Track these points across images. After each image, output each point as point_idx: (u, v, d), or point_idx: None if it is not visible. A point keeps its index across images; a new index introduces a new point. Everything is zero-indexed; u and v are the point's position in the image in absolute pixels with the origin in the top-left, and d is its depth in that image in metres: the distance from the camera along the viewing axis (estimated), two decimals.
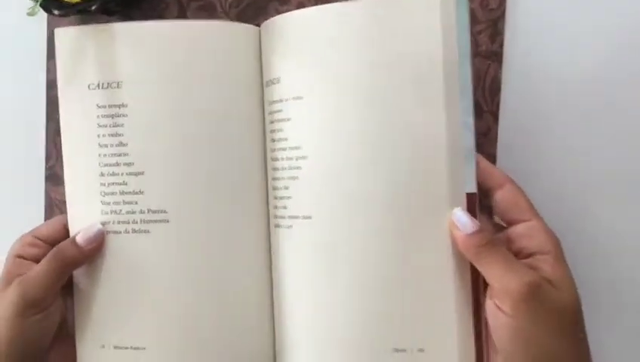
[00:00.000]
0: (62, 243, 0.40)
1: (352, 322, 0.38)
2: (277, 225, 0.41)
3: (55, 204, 0.51)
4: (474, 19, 0.43)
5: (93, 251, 0.40)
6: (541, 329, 0.33)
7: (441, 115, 0.37)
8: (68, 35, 0.41)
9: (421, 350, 0.37)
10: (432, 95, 0.37)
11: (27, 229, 0.43)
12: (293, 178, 0.40)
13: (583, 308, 0.35)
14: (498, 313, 0.34)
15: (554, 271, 0.34)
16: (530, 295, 0.33)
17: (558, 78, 0.44)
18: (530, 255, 0.36)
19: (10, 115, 0.53)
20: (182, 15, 0.47)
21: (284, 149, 0.40)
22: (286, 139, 0.40)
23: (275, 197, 0.41)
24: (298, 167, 0.39)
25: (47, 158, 0.51)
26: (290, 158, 0.40)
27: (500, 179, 0.38)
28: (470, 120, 0.37)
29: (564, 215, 0.44)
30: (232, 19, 0.46)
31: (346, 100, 0.38)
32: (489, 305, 0.35)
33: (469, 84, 0.37)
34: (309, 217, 0.39)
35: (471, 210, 0.37)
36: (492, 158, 0.44)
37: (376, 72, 0.37)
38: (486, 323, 0.37)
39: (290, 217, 0.40)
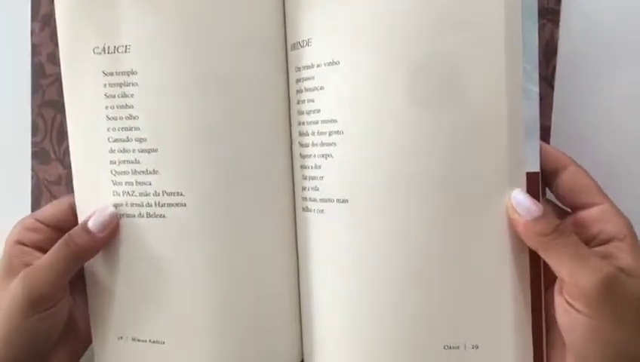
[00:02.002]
0: (72, 231, 0.38)
1: (396, 318, 0.36)
2: (306, 209, 0.39)
3: (44, 185, 0.49)
4: None
5: (108, 238, 0.38)
6: (620, 327, 0.32)
7: (500, 80, 0.34)
8: None
9: (475, 346, 0.36)
10: (491, 57, 0.34)
11: (12, 213, 0.41)
12: (326, 156, 0.37)
13: None
14: (571, 311, 0.33)
15: (632, 259, 0.33)
16: (608, 291, 0.32)
17: (624, 39, 0.42)
18: (606, 241, 0.34)
19: None
20: None
21: (315, 123, 0.38)
22: (318, 111, 0.38)
23: (304, 178, 0.39)
24: (332, 143, 0.37)
25: (34, 133, 0.49)
26: (323, 133, 0.37)
27: (562, 161, 0.36)
28: (534, 88, 0.35)
29: (628, 196, 0.41)
30: None
31: (391, 66, 0.35)
32: (559, 302, 0.34)
33: (534, 46, 0.35)
34: (345, 201, 0.37)
35: (533, 191, 0.35)
36: (546, 131, 0.42)
37: (427, 32, 0.35)
38: (546, 318, 0.36)
39: (322, 200, 0.38)
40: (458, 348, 0.35)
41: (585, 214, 0.35)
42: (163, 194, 0.37)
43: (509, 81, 0.34)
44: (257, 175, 0.38)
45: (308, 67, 0.38)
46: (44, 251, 0.37)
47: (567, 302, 0.33)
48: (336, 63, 0.36)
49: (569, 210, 0.37)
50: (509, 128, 0.34)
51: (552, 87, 0.42)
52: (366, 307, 0.37)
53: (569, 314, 0.33)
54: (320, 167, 0.38)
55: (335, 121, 0.37)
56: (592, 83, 0.42)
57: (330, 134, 0.37)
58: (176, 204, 0.37)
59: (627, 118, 0.42)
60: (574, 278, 0.32)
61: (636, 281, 0.32)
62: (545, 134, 0.42)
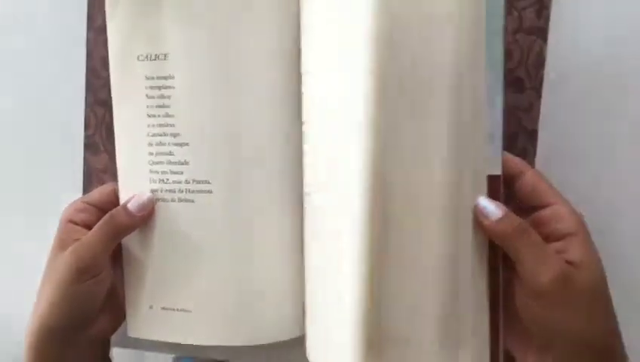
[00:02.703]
0: (114, 211, 0.43)
1: (344, 309, 0.39)
2: (306, 194, 0.42)
3: (94, 173, 0.54)
4: None
5: (145, 218, 0.43)
6: (575, 317, 0.36)
7: (462, 90, 0.37)
8: (120, 3, 0.43)
9: (407, 340, 0.37)
10: (453, 70, 0.37)
11: (66, 198, 0.46)
12: (306, 152, 0.42)
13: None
14: (530, 304, 0.37)
15: (583, 253, 0.36)
16: (561, 286, 0.35)
17: (606, 54, 0.46)
18: (561, 237, 0.37)
19: (49, 84, 0.56)
20: None
21: (304, 123, 0.42)
22: (304, 113, 0.42)
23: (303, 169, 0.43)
24: (307, 142, 0.42)
25: (86, 127, 0.54)
26: (304, 132, 0.42)
27: (519, 166, 0.39)
28: (499, 97, 0.38)
29: (608, 197, 0.46)
30: None
31: (354, 75, 0.37)
32: (519, 297, 0.38)
33: (499, 60, 0.38)
34: (309, 194, 0.41)
35: (495, 192, 0.38)
36: (534, 135, 0.46)
37: (394, 46, 0.37)
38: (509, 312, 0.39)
39: (307, 188, 0.42)
40: (393, 340, 0.37)
41: (542, 213, 0.38)
42: (193, 182, 0.42)
43: (471, 91, 0.37)
44: (272, 167, 0.43)
45: (302, 74, 0.42)
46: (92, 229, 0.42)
47: (527, 296, 0.37)
48: (310, 73, 0.40)
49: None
50: (472, 135, 0.37)
51: (539, 95, 0.46)
52: (330, 289, 0.39)
53: (529, 307, 0.37)
54: (305, 160, 0.42)
55: (306, 121, 0.41)
56: (577, 94, 0.46)
57: (306, 134, 0.41)
58: (204, 191, 0.42)
59: (607, 125, 0.46)
60: (533, 275, 0.36)
61: (586, 273, 0.36)
62: (532, 137, 0.46)
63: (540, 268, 0.36)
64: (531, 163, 0.46)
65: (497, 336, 0.39)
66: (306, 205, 0.42)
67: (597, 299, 0.36)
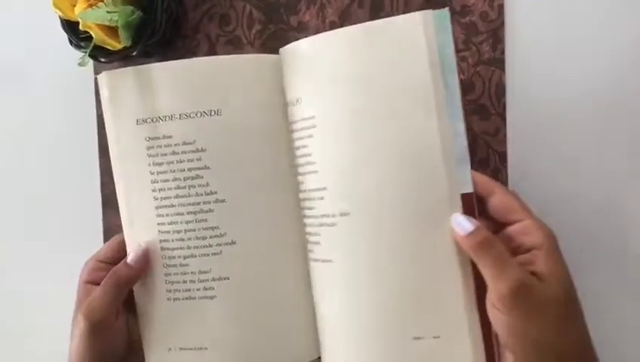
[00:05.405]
0: (116, 267, 0.47)
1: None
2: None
3: (115, 231, 0.58)
4: (475, 31, 0.50)
5: (143, 269, 0.47)
6: (532, 324, 0.38)
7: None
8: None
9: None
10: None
11: (87, 249, 0.50)
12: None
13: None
14: (494, 310, 0.40)
15: (545, 265, 0.39)
16: (520, 294, 0.38)
17: (557, 78, 0.51)
18: (528, 250, 0.40)
19: (65, 150, 0.61)
20: (212, 49, 0.54)
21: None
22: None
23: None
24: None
25: (102, 187, 0.58)
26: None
27: (489, 186, 0.43)
28: (461, 125, 0.42)
29: (574, 207, 0.50)
30: (256, 50, 0.53)
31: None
32: (488, 304, 0.41)
33: (457, 93, 0.42)
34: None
35: (469, 209, 0.42)
36: (503, 156, 0.50)
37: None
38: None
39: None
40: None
41: (511, 229, 0.41)
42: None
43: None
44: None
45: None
46: None
47: (492, 304, 0.39)
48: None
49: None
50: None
51: (504, 120, 0.50)
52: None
53: (494, 313, 0.39)
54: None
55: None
56: (538, 115, 0.50)
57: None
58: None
59: (572, 141, 0.50)
60: (495, 283, 0.39)
61: (546, 285, 0.38)
62: (502, 158, 0.50)
63: (501, 277, 0.38)
64: (504, 182, 0.50)
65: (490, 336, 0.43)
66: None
67: (564, 310, 0.39)
